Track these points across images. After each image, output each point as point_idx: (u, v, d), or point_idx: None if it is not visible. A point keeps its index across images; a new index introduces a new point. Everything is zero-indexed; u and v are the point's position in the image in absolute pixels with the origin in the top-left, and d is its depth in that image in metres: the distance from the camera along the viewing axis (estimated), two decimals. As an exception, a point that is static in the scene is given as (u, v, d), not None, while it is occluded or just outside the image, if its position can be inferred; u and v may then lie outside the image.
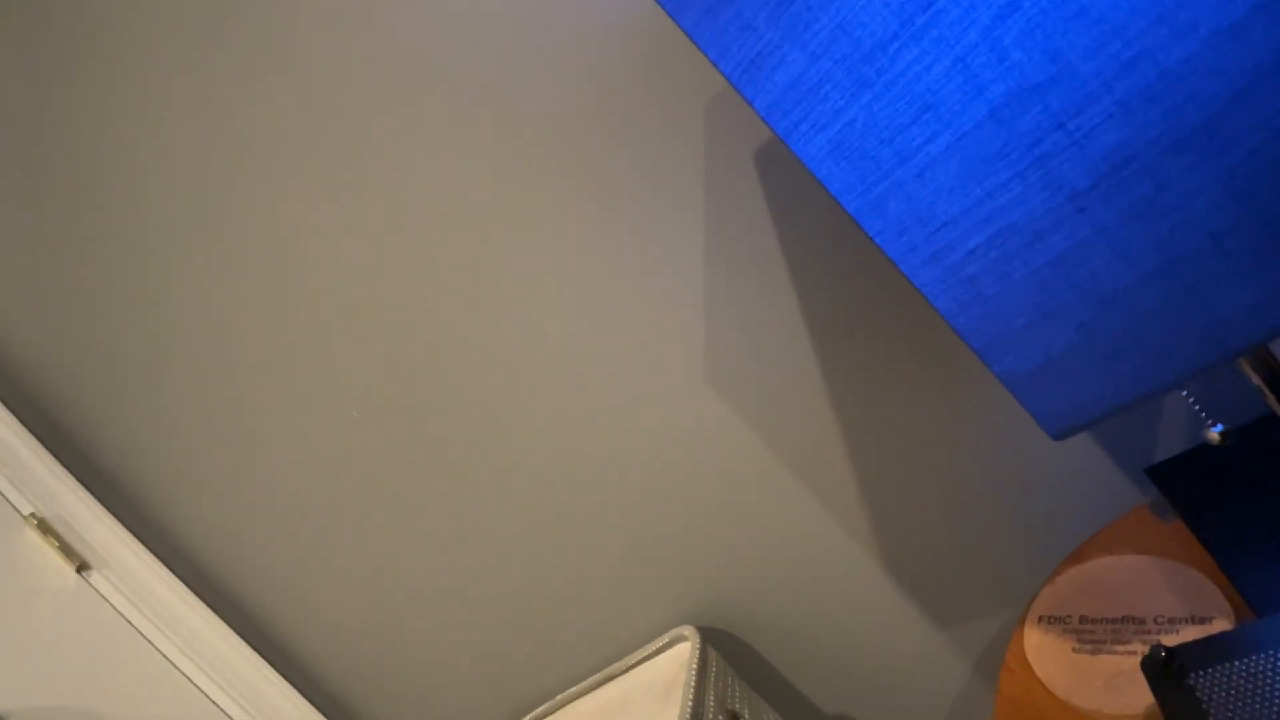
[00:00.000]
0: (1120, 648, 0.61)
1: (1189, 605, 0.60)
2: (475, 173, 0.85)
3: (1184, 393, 0.57)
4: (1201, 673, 0.46)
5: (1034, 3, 0.36)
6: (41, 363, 1.12)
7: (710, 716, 0.80)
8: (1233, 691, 0.45)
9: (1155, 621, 0.61)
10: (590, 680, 1.00)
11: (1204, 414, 0.55)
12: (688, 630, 0.92)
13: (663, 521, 0.94)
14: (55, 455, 1.15)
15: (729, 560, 0.94)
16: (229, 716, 1.10)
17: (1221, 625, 0.57)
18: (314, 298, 0.94)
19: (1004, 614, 0.85)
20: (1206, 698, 0.45)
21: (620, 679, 0.98)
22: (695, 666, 0.85)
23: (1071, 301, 0.42)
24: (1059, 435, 0.45)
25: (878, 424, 0.83)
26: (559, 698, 1.01)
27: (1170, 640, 0.58)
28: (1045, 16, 0.36)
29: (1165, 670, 0.48)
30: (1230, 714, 0.43)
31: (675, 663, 0.92)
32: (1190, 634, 0.58)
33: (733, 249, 0.80)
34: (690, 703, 0.79)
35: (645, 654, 0.97)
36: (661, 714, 0.84)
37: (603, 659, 1.03)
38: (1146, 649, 0.60)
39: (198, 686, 1.10)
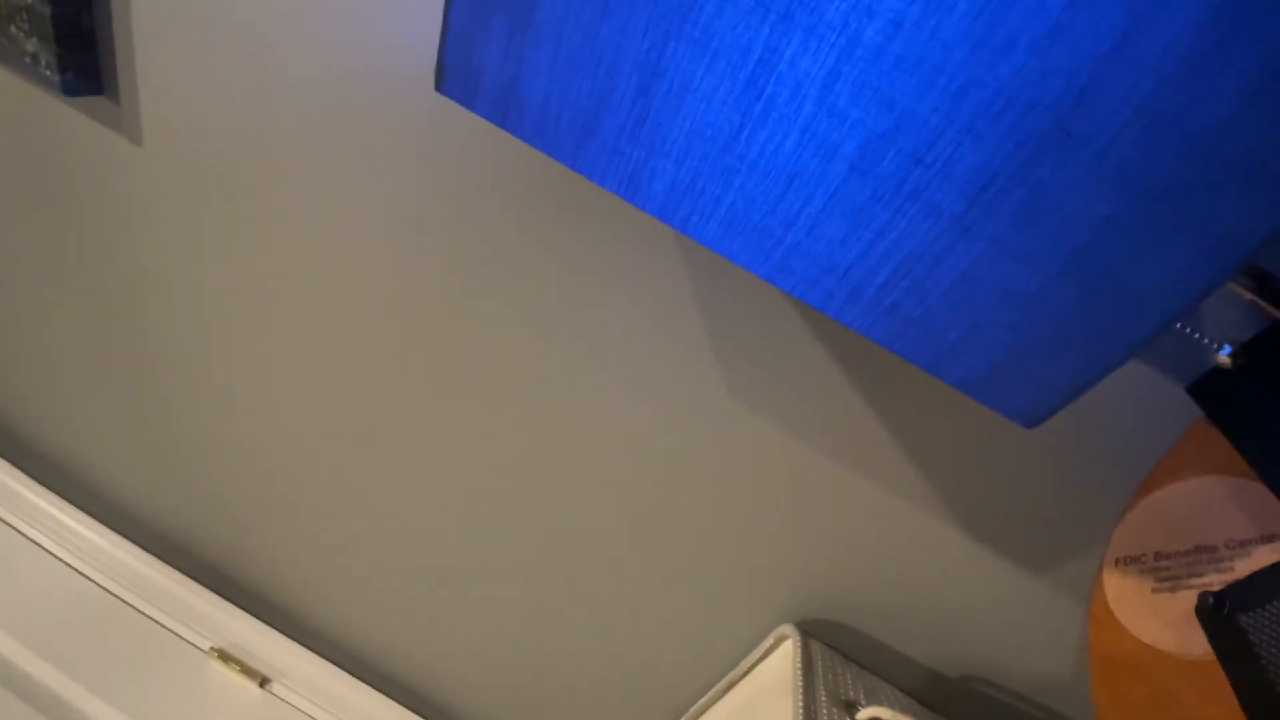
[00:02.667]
0: (1196, 581, 0.59)
1: (1258, 524, 0.57)
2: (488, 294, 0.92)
3: (1178, 325, 0.54)
4: (1251, 614, 0.45)
5: (853, 66, 0.37)
6: (184, 518, 1.30)
7: (824, 712, 0.84)
8: (1283, 631, 0.44)
9: (1226, 547, 0.58)
10: (717, 688, 1.05)
11: (1205, 339, 0.52)
12: (787, 629, 0.96)
13: (742, 534, 0.98)
14: (217, 592, 1.34)
15: (812, 554, 0.96)
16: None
17: (1293, 540, 0.55)
18: (415, 408, 1.05)
19: (1097, 551, 0.83)
20: (1258, 639, 0.44)
21: (742, 684, 1.03)
22: (799, 665, 0.88)
23: (993, 309, 0.42)
24: (1031, 425, 0.46)
25: (912, 391, 0.83)
26: (692, 710, 1.08)
27: (1244, 565, 0.56)
28: (867, 74, 0.37)
29: (1217, 616, 0.47)
30: None
31: (785, 662, 0.96)
32: (1263, 555, 0.56)
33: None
34: (801, 704, 0.83)
35: (757, 656, 1.01)
36: (782, 714, 0.88)
37: (726, 665, 1.09)
38: (1221, 579, 0.58)
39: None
